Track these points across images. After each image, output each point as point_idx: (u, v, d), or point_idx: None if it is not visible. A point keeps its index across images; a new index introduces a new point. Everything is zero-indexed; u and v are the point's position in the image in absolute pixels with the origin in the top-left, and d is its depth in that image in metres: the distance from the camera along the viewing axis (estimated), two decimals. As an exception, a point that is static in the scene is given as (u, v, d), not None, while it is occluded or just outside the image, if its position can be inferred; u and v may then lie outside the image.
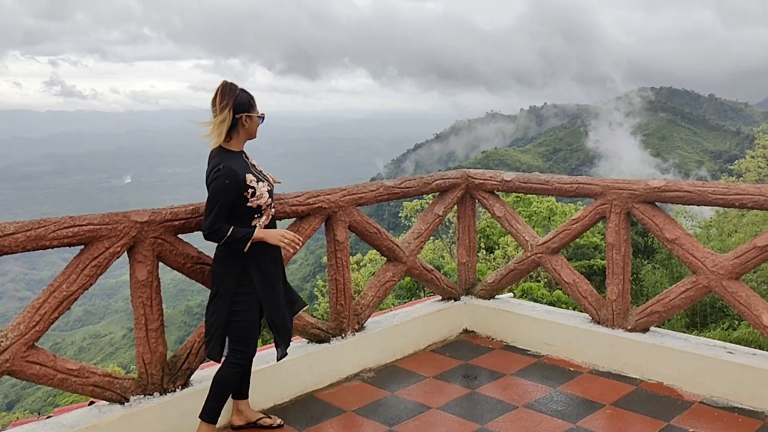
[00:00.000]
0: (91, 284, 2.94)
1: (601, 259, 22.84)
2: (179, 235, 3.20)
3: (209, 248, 3.18)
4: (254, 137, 3.05)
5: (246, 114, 2.94)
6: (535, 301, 17.75)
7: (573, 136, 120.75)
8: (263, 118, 3.03)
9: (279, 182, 3.22)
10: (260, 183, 2.97)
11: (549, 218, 24.49)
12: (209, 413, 3.03)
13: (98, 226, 2.89)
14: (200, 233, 3.05)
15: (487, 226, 22.27)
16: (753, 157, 28.23)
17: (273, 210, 3.10)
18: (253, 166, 3.04)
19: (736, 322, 15.78)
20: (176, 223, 3.14)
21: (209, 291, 3.08)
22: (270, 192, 3.04)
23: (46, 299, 2.83)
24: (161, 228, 3.08)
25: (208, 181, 2.89)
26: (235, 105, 2.90)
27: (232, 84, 2.94)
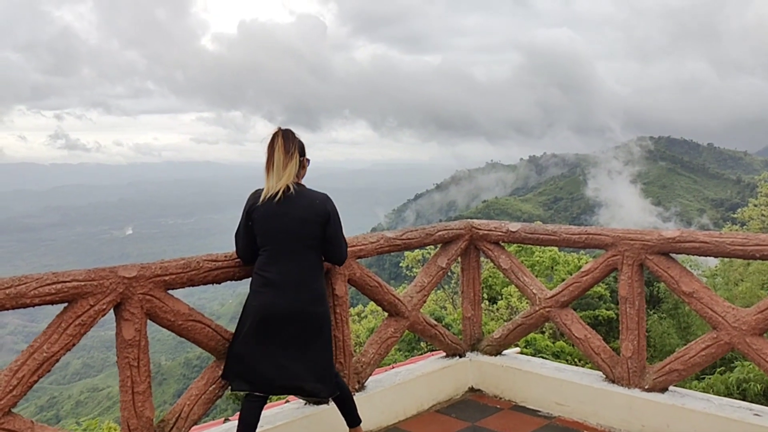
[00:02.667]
0: (74, 344, 2.75)
1: (606, 310, 22.47)
2: (170, 291, 3.04)
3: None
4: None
5: (306, 158, 3.16)
6: (539, 352, 17.33)
7: (573, 185, 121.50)
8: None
9: None
10: None
11: (552, 268, 24.24)
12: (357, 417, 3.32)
13: (83, 283, 2.73)
14: (192, 289, 3.08)
15: (490, 276, 22.00)
16: (756, 206, 28.21)
17: None
18: None
19: (729, 363, 15.32)
20: (167, 278, 2.98)
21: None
22: None
23: (24, 361, 2.65)
24: (150, 284, 2.92)
25: (316, 212, 3.05)
26: (300, 149, 3.11)
27: (291, 130, 3.10)
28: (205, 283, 3.18)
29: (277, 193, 2.99)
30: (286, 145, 3.03)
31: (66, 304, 2.76)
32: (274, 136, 3.06)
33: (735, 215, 30.57)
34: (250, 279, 3.11)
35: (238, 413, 3.01)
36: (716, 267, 24.19)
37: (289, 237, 3.02)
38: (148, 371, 2.94)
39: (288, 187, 3.01)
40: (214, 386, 3.18)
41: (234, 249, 3.22)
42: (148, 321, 2.96)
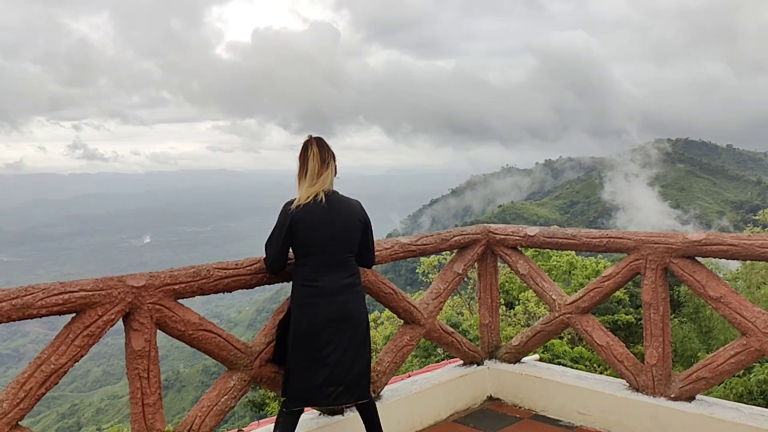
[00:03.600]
0: (82, 355, 2.69)
1: (626, 314, 22.12)
2: (180, 300, 2.98)
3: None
4: None
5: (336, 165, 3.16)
6: (557, 357, 17.07)
7: (589, 189, 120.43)
8: None
9: None
10: None
11: (569, 272, 23.92)
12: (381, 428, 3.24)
13: (91, 292, 2.67)
14: (201, 297, 3.06)
15: (506, 281, 21.76)
16: (778, 207, 27.73)
17: None
18: None
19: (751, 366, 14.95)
20: (176, 287, 2.91)
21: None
22: None
23: (32, 373, 2.59)
24: (160, 293, 2.86)
25: (359, 218, 3.10)
26: (333, 156, 3.13)
27: (323, 138, 3.11)
28: (215, 292, 3.11)
29: (321, 200, 3.00)
30: (322, 153, 3.05)
31: (74, 315, 2.70)
32: (308, 144, 3.05)
33: (756, 217, 30.08)
34: (294, 292, 3.06)
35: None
36: (738, 270, 23.77)
37: (337, 244, 3.03)
38: (158, 382, 2.87)
39: (328, 195, 3.03)
40: (226, 397, 3.11)
41: (256, 256, 3.20)
42: (159, 331, 2.90)
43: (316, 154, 3.03)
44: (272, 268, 3.14)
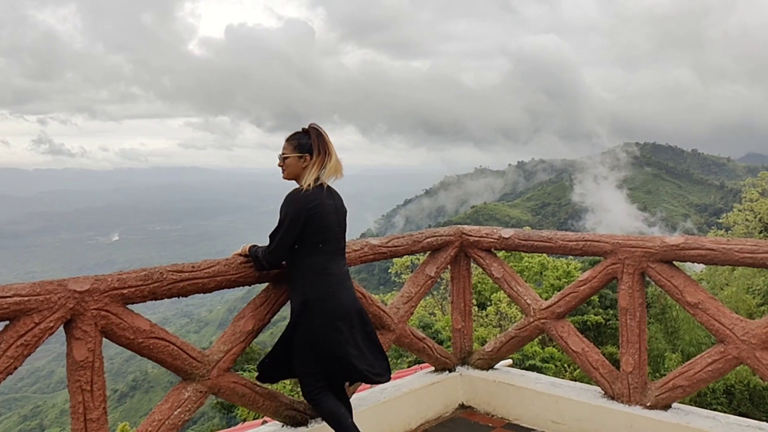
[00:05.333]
0: (16, 367, 2.44)
1: (595, 315, 22.30)
2: (129, 306, 2.74)
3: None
4: None
5: None
6: (528, 357, 17.08)
7: (560, 191, 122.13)
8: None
9: None
10: None
11: (541, 273, 24.04)
12: None
13: (26, 298, 2.42)
14: (153, 302, 2.89)
15: (479, 282, 21.74)
16: (740, 211, 28.40)
17: None
18: None
19: None
20: (125, 291, 2.68)
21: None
22: None
23: (-41, 387, 2.34)
24: (106, 298, 2.62)
25: (345, 209, 3.07)
26: None
27: None
28: (170, 296, 2.88)
29: (325, 188, 2.95)
30: (331, 144, 3.01)
31: (7, 323, 2.45)
32: (321, 131, 2.98)
33: (720, 220, 30.74)
34: (307, 281, 2.92)
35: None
36: (702, 271, 24.19)
37: (341, 232, 3.04)
38: (103, 396, 2.63)
39: (330, 188, 3.01)
40: (179, 410, 2.88)
41: (216, 258, 3.06)
42: (104, 339, 2.66)
43: (330, 143, 2.98)
44: (276, 263, 3.00)
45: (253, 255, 3.03)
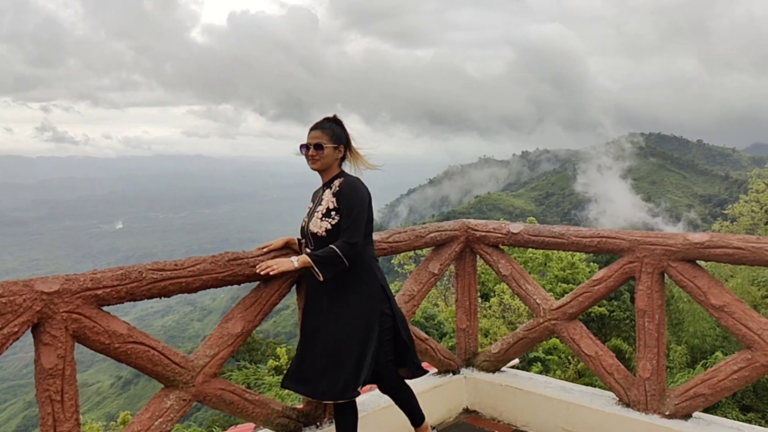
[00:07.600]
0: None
1: (599, 306, 22.06)
2: (104, 308, 2.51)
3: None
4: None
5: None
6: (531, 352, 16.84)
7: (564, 181, 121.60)
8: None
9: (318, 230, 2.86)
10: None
11: (545, 264, 23.76)
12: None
13: (-13, 300, 2.20)
14: (131, 303, 2.86)
15: (482, 272, 21.47)
16: (746, 202, 28.13)
17: (303, 246, 2.97)
18: (319, 197, 2.93)
19: (712, 355, 14.86)
20: (99, 292, 2.45)
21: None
22: (302, 227, 2.94)
23: None
24: (78, 299, 2.39)
25: None
26: None
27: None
28: (150, 297, 2.65)
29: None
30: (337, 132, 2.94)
31: (-34, 327, 2.22)
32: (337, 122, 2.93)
33: (726, 211, 30.46)
34: (373, 274, 2.88)
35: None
36: (706, 264, 23.91)
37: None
38: (75, 406, 2.40)
39: None
40: (161, 420, 2.65)
41: (201, 255, 2.84)
42: (77, 344, 2.43)
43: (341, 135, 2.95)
44: (355, 255, 2.79)
45: (327, 258, 2.72)
